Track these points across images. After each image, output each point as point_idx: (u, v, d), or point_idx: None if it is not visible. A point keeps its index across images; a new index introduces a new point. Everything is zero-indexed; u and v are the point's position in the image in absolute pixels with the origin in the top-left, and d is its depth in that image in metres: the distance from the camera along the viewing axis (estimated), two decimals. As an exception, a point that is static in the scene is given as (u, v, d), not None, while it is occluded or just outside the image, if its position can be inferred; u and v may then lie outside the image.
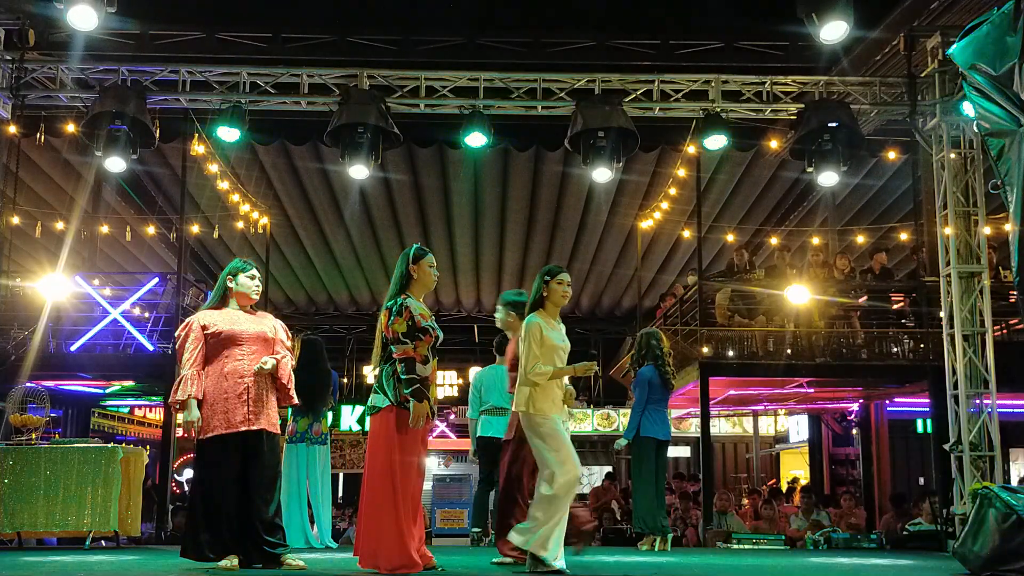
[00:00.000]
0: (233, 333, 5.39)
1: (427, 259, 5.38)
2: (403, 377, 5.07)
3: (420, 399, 5.04)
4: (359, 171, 9.90)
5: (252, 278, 5.55)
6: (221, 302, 5.54)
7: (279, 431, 5.55)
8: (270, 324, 5.58)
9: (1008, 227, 5.45)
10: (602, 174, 10.02)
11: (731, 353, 11.42)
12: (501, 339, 9.03)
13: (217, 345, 5.38)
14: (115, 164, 9.94)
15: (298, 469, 8.50)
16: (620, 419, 16.39)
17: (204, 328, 5.39)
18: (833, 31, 8.44)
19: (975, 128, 9.16)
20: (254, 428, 5.32)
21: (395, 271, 5.39)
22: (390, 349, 5.16)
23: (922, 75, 9.93)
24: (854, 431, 14.11)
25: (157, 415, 16.06)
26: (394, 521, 4.99)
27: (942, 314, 9.65)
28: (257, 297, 5.59)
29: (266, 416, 5.40)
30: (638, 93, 10.28)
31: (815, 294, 11.35)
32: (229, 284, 5.52)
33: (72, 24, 8.37)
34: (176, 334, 5.51)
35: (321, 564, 6.01)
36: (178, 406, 5.31)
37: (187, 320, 5.50)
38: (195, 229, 13.84)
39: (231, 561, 5.21)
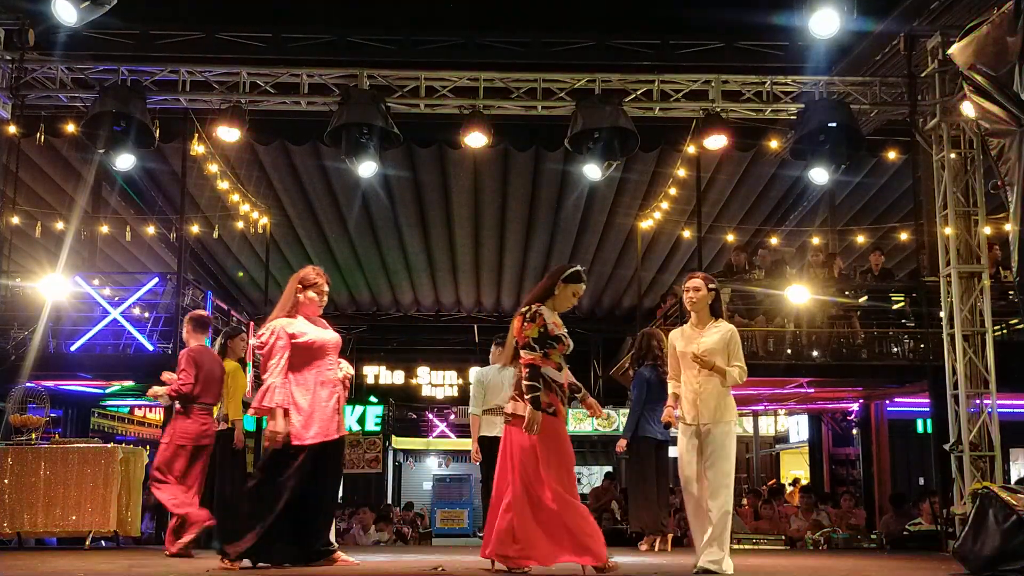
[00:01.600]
0: (324, 343, 5.42)
1: (575, 286, 5.35)
2: (526, 382, 5.12)
3: (536, 406, 5.08)
4: (368, 168, 9.91)
5: (321, 294, 5.53)
6: (293, 310, 5.47)
7: None
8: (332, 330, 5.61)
9: (1008, 227, 5.45)
10: (592, 170, 10.03)
11: (731, 353, 11.39)
12: (500, 340, 9.02)
13: (306, 354, 5.34)
14: (124, 162, 9.92)
15: None
16: (620, 419, 16.42)
17: (292, 336, 5.32)
18: (824, 24, 8.36)
19: (975, 128, 9.16)
20: (338, 436, 5.40)
21: (543, 280, 5.44)
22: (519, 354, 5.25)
23: (922, 75, 9.93)
24: (854, 431, 14.10)
25: (157, 415, 16.05)
26: (508, 516, 5.11)
27: (942, 314, 9.65)
28: (321, 311, 5.58)
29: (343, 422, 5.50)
30: (638, 93, 10.28)
31: (815, 294, 11.34)
32: (299, 296, 5.48)
33: (58, 18, 8.36)
34: (262, 340, 5.36)
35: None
36: (263, 414, 5.23)
37: (271, 326, 5.38)
38: (195, 229, 13.84)
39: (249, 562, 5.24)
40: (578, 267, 5.39)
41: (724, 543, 5.45)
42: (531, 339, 5.13)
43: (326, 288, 5.56)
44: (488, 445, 8.57)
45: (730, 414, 5.58)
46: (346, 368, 5.52)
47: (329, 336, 5.49)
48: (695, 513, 5.52)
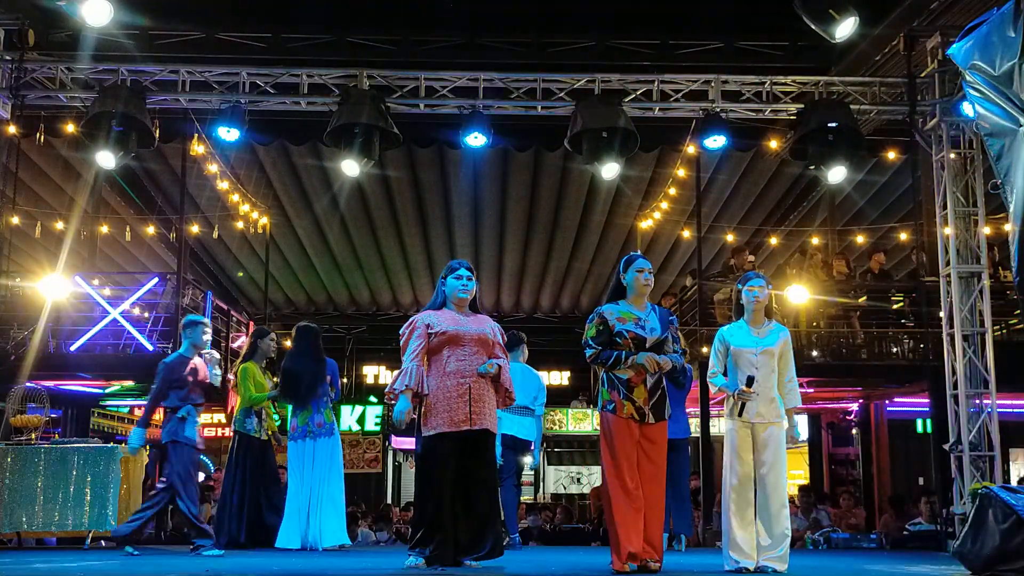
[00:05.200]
0: (457, 334, 5.49)
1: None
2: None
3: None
4: (350, 167, 9.92)
5: (458, 279, 5.62)
6: (442, 303, 5.64)
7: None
8: (489, 327, 5.68)
9: (1008, 227, 5.45)
10: (610, 169, 10.03)
11: (731, 353, 11.38)
12: (510, 336, 8.97)
13: (440, 345, 5.48)
14: (105, 159, 9.87)
15: (302, 466, 8.28)
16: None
17: (428, 327, 5.49)
18: (846, 28, 8.37)
19: (975, 128, 9.16)
20: (476, 428, 5.40)
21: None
22: None
23: (922, 75, 9.93)
24: (854, 431, 14.09)
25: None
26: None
27: (942, 314, 9.65)
28: (467, 297, 5.64)
29: (487, 416, 5.48)
30: (638, 93, 10.28)
31: (815, 294, 11.34)
32: (442, 287, 5.66)
33: (84, 20, 8.33)
34: (400, 332, 5.59)
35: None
36: (392, 396, 5.39)
37: (411, 319, 5.60)
38: (195, 229, 13.82)
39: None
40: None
41: (788, 537, 5.74)
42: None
43: (464, 272, 5.70)
44: (512, 444, 8.54)
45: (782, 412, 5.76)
46: (487, 363, 5.59)
47: (465, 329, 5.61)
48: (743, 510, 5.62)
